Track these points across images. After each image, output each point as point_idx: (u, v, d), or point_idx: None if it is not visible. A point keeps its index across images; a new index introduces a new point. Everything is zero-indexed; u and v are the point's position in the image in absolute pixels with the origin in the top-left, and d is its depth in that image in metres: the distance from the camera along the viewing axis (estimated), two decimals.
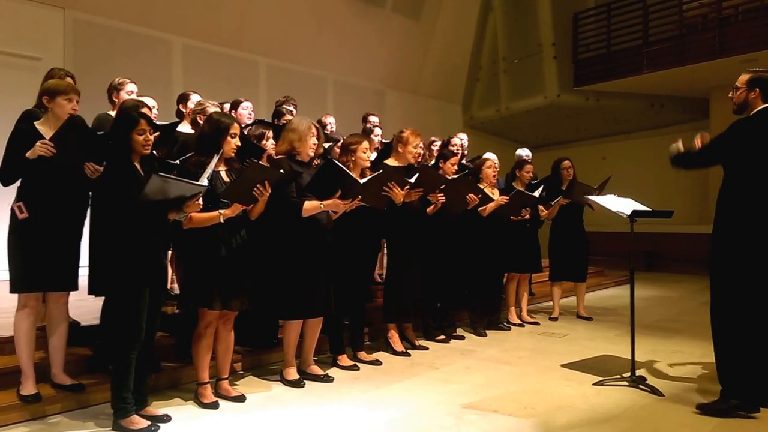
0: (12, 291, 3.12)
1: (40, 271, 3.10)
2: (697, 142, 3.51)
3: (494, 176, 5.40)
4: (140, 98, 4.00)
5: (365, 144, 4.08)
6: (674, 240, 10.92)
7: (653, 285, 9.12)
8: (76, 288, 3.30)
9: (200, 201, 3.02)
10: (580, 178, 6.00)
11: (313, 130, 3.77)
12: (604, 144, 13.19)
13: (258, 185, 3.24)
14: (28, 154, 2.99)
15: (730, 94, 3.42)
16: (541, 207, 5.66)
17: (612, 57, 11.43)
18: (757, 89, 3.28)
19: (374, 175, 3.86)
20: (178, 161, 3.60)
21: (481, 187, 5.12)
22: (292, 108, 5.23)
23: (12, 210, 3.11)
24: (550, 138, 13.61)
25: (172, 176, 2.92)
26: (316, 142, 3.79)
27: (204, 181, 3.00)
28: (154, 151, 3.79)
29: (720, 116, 10.72)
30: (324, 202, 3.65)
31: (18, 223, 3.09)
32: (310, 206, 3.64)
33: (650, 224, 8.42)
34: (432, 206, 4.67)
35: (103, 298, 3.43)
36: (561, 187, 5.91)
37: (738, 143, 3.27)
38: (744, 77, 3.35)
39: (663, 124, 12.28)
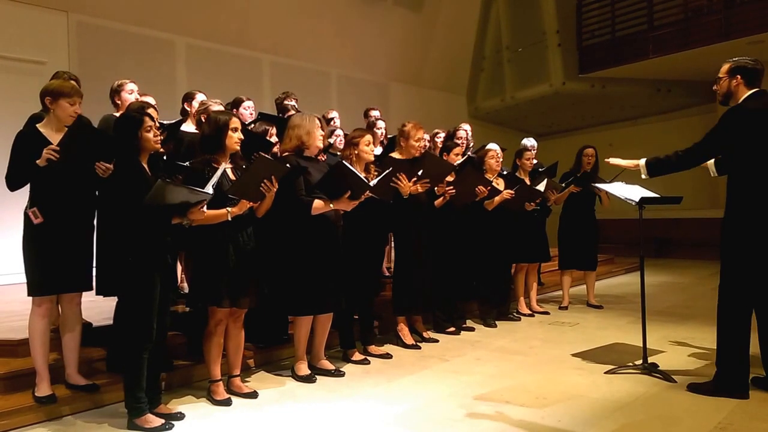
0: (30, 294, 3.14)
1: (58, 274, 3.12)
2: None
3: (497, 166, 5.37)
4: (142, 98, 4.03)
5: (368, 138, 4.07)
6: (684, 225, 10.86)
7: (663, 271, 9.07)
8: (90, 288, 3.33)
9: (204, 209, 3.03)
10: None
11: (317, 122, 3.79)
12: (611, 130, 13.09)
13: (265, 180, 3.25)
14: (38, 162, 3.00)
15: (714, 87, 3.42)
16: (549, 192, 5.62)
17: (617, 43, 11.34)
18: (738, 76, 3.29)
19: (383, 175, 3.86)
20: (187, 163, 3.60)
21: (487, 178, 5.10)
22: (294, 102, 5.22)
23: (26, 215, 3.11)
24: (556, 126, 13.54)
25: (177, 183, 2.92)
26: (323, 133, 3.82)
27: (209, 189, 3.00)
28: (161, 149, 3.80)
29: None
30: (333, 203, 3.66)
31: (33, 228, 3.10)
32: (319, 205, 3.64)
33: (659, 210, 8.39)
34: (441, 198, 4.67)
35: (116, 298, 3.45)
36: (578, 173, 5.89)
37: (735, 132, 3.25)
38: (724, 67, 3.37)
39: (670, 109, 12.17)
